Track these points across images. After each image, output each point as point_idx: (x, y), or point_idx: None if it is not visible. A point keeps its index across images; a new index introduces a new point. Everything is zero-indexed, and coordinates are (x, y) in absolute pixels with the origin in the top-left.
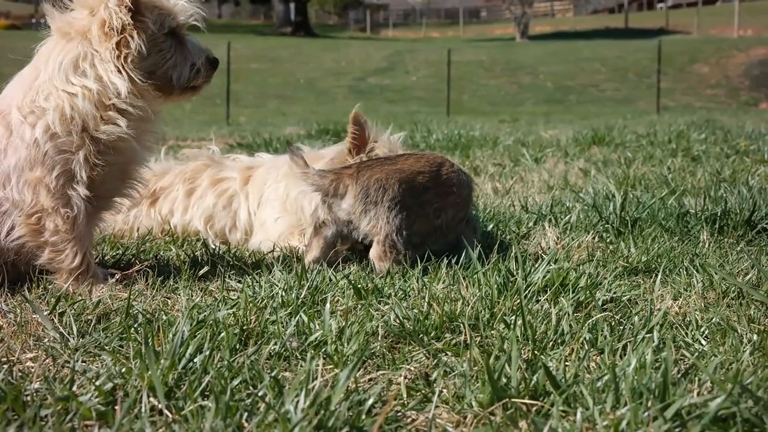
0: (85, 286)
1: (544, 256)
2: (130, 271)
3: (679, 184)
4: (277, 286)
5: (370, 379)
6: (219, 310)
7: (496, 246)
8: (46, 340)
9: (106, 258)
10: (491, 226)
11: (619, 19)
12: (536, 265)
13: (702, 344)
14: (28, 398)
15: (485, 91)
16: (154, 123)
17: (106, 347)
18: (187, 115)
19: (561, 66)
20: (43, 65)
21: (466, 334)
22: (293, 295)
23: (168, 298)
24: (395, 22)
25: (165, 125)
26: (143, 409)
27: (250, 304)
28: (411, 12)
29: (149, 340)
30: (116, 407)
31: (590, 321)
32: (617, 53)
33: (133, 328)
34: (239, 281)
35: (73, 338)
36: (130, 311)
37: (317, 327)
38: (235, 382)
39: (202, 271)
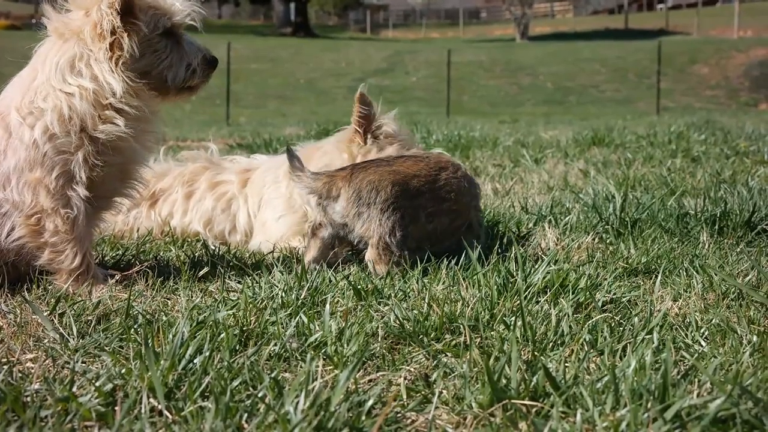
0: (85, 287)
1: (544, 257)
2: (130, 271)
3: (679, 185)
4: (277, 287)
5: (370, 380)
6: (219, 311)
7: (496, 247)
8: (46, 340)
9: (106, 259)
10: (491, 226)
11: (619, 19)
12: (536, 266)
13: (702, 345)
14: (28, 399)
15: (485, 92)
16: (152, 123)
17: (106, 348)
18: (187, 116)
19: (561, 67)
20: (41, 66)
21: (466, 335)
22: (293, 296)
23: (168, 299)
24: (395, 22)
25: (165, 125)
26: (143, 410)
27: (250, 305)
28: (411, 12)
29: (149, 341)
30: (116, 408)
31: (590, 322)
32: (617, 54)
33: (133, 329)
34: (239, 282)
35: (73, 339)
36: (130, 312)
37: (317, 328)
38: (235, 383)
39: (202, 272)
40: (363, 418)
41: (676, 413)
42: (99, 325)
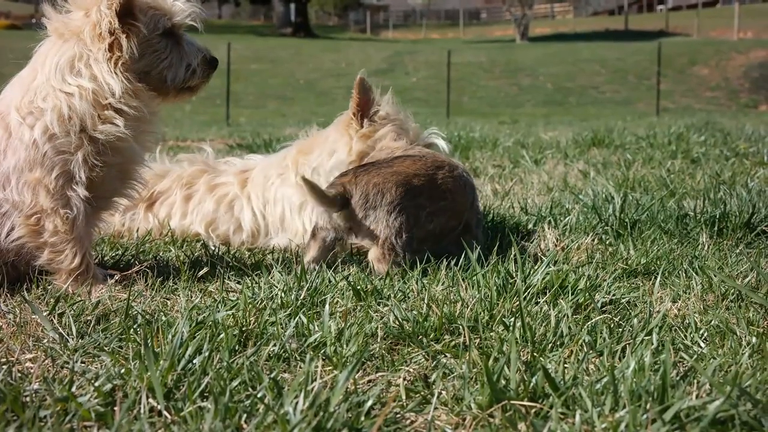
0: (84, 287)
1: (544, 257)
2: (130, 271)
3: (679, 187)
4: (277, 287)
5: (369, 381)
6: (218, 311)
7: (496, 248)
8: (45, 340)
9: (105, 259)
10: (491, 227)
11: (619, 20)
12: (535, 267)
13: (701, 347)
14: (28, 399)
15: (485, 93)
16: (152, 123)
17: (106, 348)
18: (187, 116)
19: (561, 67)
20: (41, 66)
21: (465, 336)
22: (292, 297)
23: (167, 299)
24: (395, 23)
25: (165, 126)
26: (142, 410)
27: (250, 306)
28: (411, 13)
29: (148, 341)
30: (115, 408)
31: (589, 323)
32: (617, 55)
33: (132, 329)
34: (239, 282)
35: (73, 339)
36: (130, 312)
37: (316, 328)
38: (235, 383)
39: (201, 272)
40: (362, 418)
41: (675, 414)
42: (98, 325)
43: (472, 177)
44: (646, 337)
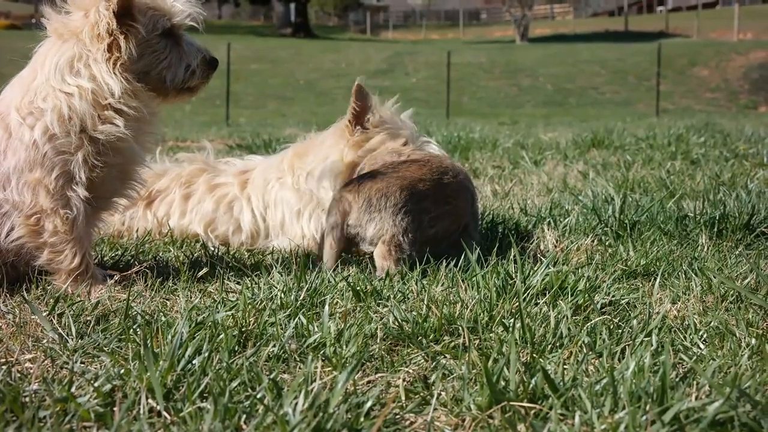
0: (84, 287)
1: (543, 258)
2: (129, 272)
3: (678, 188)
4: (276, 287)
5: (369, 382)
6: (218, 312)
7: (495, 249)
8: (44, 341)
9: (105, 259)
10: (491, 228)
11: (619, 21)
12: (535, 268)
13: (700, 348)
14: (27, 399)
15: (485, 93)
16: (152, 124)
17: (105, 348)
18: (187, 116)
19: (560, 68)
20: (40, 66)
21: (464, 337)
22: (292, 297)
23: (167, 300)
24: (395, 23)
25: (165, 126)
26: (142, 411)
27: (249, 306)
28: (411, 13)
29: (148, 342)
30: (115, 408)
31: (589, 324)
32: (617, 56)
33: (132, 330)
34: (238, 283)
35: (72, 339)
36: (129, 312)
37: (316, 329)
38: (234, 383)
39: (201, 273)
40: (362, 419)
41: (674, 416)
42: (98, 326)
43: (472, 178)
44: (646, 339)
